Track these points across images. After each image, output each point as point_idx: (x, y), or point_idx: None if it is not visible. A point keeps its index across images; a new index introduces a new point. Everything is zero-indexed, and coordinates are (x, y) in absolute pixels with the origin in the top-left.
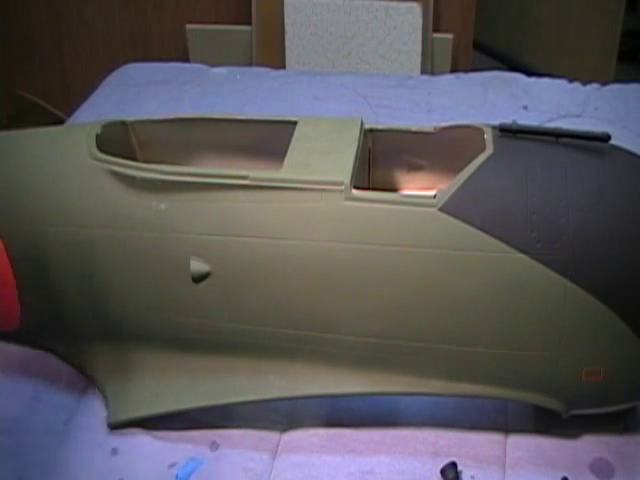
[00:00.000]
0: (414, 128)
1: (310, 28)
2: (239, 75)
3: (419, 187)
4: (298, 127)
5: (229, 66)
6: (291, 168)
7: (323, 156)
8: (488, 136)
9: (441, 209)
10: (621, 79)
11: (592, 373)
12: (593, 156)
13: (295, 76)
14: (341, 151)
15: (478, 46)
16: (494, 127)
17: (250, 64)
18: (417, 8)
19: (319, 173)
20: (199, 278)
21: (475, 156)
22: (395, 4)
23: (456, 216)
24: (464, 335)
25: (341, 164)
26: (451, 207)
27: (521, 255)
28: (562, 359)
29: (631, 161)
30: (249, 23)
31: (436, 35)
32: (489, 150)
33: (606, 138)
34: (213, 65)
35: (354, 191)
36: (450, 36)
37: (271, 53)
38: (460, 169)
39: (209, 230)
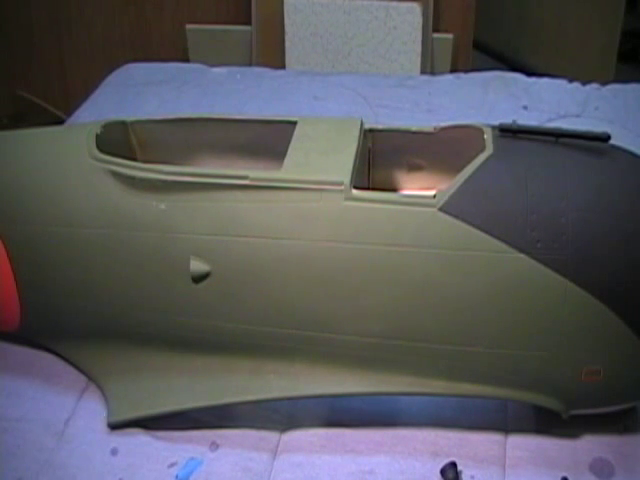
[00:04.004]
0: (414, 128)
1: (310, 28)
2: (239, 75)
3: (419, 187)
4: (298, 127)
5: (229, 66)
6: (291, 168)
7: (323, 156)
8: (488, 136)
9: (441, 209)
10: (621, 79)
11: (592, 373)
12: (593, 156)
13: (295, 76)
14: (341, 151)
15: (478, 46)
16: (494, 127)
17: (250, 64)
18: (417, 8)
19: (319, 173)
20: (199, 278)
21: (475, 156)
22: (395, 4)
23: (456, 216)
24: (464, 335)
25: (341, 164)
26: (451, 207)
27: (521, 255)
28: (562, 359)
29: (631, 161)
30: (249, 23)
31: (436, 35)
32: (489, 150)
33: (606, 138)
34: (213, 65)
35: (354, 191)
36: (450, 36)
37: (271, 53)
38: (460, 169)
39: (209, 230)
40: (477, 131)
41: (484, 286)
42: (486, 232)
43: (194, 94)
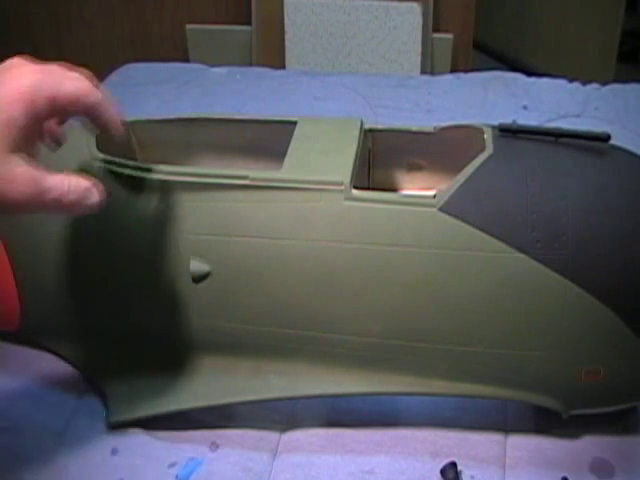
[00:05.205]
0: (414, 128)
1: (310, 28)
2: (239, 75)
3: (419, 187)
4: (298, 127)
5: (229, 66)
6: (291, 168)
7: (323, 156)
8: (488, 136)
9: (441, 209)
10: (621, 79)
11: (592, 373)
12: (593, 156)
13: (295, 76)
14: (341, 151)
15: (478, 46)
16: (494, 127)
17: (250, 64)
18: (417, 8)
19: (319, 173)
20: (199, 278)
21: (475, 156)
22: (395, 4)
23: (456, 216)
24: (464, 335)
25: (341, 164)
26: (451, 207)
27: (521, 255)
28: (562, 359)
29: (631, 161)
30: (249, 23)
31: (436, 35)
32: (489, 150)
33: (606, 138)
34: (213, 65)
35: (354, 191)
36: (450, 36)
37: (271, 53)
38: (460, 169)
39: (209, 230)
40: (477, 131)
41: (484, 286)
42: (486, 232)
43: (194, 94)
